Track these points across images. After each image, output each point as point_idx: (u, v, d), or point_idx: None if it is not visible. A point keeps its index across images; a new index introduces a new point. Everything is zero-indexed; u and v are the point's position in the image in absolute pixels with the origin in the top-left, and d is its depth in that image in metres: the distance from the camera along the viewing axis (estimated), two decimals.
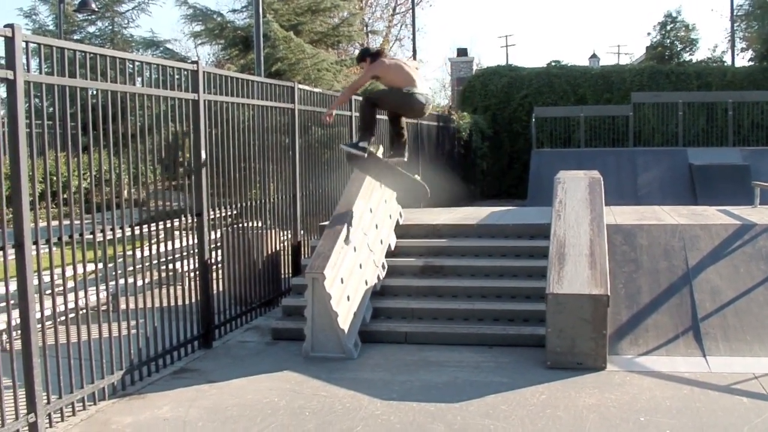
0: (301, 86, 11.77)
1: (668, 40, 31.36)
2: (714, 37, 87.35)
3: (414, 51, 29.89)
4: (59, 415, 6.66)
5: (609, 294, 7.96)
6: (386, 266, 10.10)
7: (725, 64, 30.66)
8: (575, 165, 14.86)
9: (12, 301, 6.20)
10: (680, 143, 25.60)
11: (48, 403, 6.47)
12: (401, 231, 10.92)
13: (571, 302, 7.94)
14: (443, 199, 21.90)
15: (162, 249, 8.47)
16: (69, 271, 6.87)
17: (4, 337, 8.00)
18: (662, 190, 22.07)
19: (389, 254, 10.36)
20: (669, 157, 23.96)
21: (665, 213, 11.37)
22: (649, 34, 31.79)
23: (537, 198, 20.99)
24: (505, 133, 28.91)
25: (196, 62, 8.87)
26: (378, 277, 9.79)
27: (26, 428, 6.26)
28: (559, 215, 9.48)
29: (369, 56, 10.28)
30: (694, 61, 30.78)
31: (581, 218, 9.36)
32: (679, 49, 31.33)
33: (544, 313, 8.17)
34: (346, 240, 9.15)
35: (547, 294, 8.04)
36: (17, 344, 6.25)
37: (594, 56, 50.71)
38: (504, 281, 9.80)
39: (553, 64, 30.02)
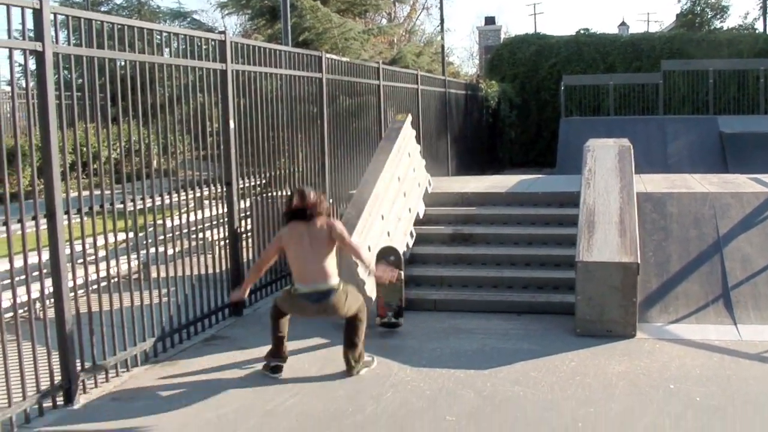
0: (328, 55, 11.75)
1: (698, 8, 30.90)
2: (745, 4, 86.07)
3: (441, 20, 29.75)
4: (93, 381, 6.76)
5: (639, 262, 7.92)
6: (415, 234, 10.10)
7: (757, 31, 30.21)
8: (604, 133, 14.71)
9: (45, 271, 6.26)
10: (711, 111, 25.30)
11: (82, 370, 6.55)
12: (430, 199, 10.92)
13: (600, 270, 7.91)
14: (471, 168, 21.90)
15: (192, 218, 8.50)
16: (100, 241, 6.93)
17: (38, 305, 8.07)
18: (692, 159, 21.84)
19: (418, 222, 10.36)
20: (699, 125, 23.68)
21: (695, 181, 11.28)
22: (679, 1, 31.24)
23: (566, 166, 20.85)
24: (534, 101, 28.71)
25: (224, 32, 8.87)
26: (407, 245, 9.80)
27: (61, 395, 6.36)
28: (589, 183, 9.44)
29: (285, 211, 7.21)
30: (724, 28, 30.36)
31: (611, 186, 9.31)
32: (709, 16, 30.88)
33: (574, 281, 8.15)
34: (374, 208, 9.15)
35: (576, 262, 8.02)
36: (50, 313, 6.32)
37: (623, 24, 50.16)
38: (533, 249, 9.78)
39: (581, 32, 29.71)
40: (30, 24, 6.05)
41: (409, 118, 11.35)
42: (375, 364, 7.15)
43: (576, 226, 8.72)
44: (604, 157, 10.11)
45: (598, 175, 9.61)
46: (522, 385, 6.60)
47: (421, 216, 10.50)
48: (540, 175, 14.54)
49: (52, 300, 6.36)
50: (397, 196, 9.96)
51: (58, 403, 6.33)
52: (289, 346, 7.70)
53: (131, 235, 7.79)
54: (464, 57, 50.96)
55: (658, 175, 12.71)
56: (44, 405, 6.19)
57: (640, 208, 9.40)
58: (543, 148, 28.17)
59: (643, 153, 17.20)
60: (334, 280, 6.82)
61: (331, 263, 6.84)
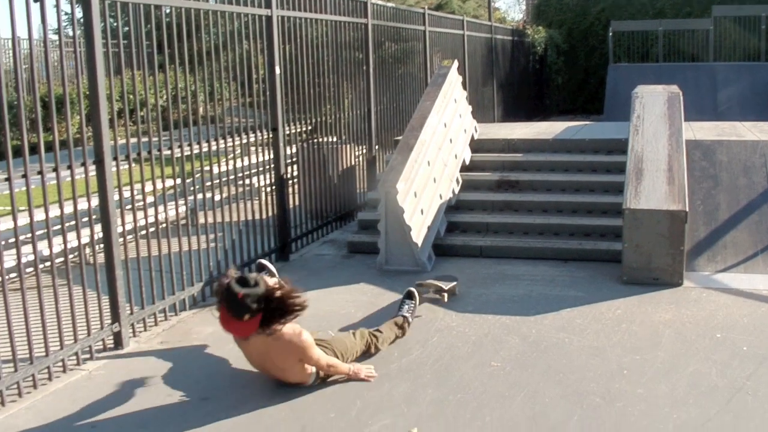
0: (374, 1, 11.66)
1: None
2: None
3: None
4: (142, 325, 6.87)
5: (687, 210, 7.83)
6: (461, 180, 10.07)
7: None
8: (653, 80, 14.50)
9: (94, 216, 6.33)
10: (762, 58, 24.75)
11: (131, 313, 6.66)
12: (476, 145, 10.86)
13: (648, 218, 7.84)
14: (518, 115, 21.74)
15: (238, 164, 8.54)
16: (148, 187, 7.00)
17: (88, 250, 8.18)
18: (743, 106, 21.45)
19: (464, 168, 10.33)
20: (750, 72, 23.22)
21: (746, 129, 11.09)
22: None
23: (613, 113, 20.62)
24: (581, 47, 28.32)
25: None
26: (453, 192, 9.78)
27: (111, 337, 6.48)
28: (637, 130, 9.32)
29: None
30: None
31: (659, 133, 9.19)
32: None
33: (621, 229, 8.09)
34: (420, 154, 9.13)
35: (624, 209, 7.95)
36: (100, 257, 6.41)
37: None
38: (580, 196, 9.72)
39: None
40: None
41: (455, 64, 11.26)
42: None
43: (623, 174, 8.63)
44: (653, 103, 9.96)
45: (647, 121, 9.49)
46: (567, 331, 6.59)
47: (467, 162, 10.46)
48: (587, 122, 14.37)
49: (102, 245, 6.45)
50: (443, 142, 9.92)
51: (108, 346, 6.46)
52: (336, 291, 7.78)
53: (179, 181, 7.85)
54: (510, 3, 50.33)
55: (708, 122, 12.50)
56: (95, 348, 6.31)
57: (689, 156, 9.27)
58: (590, 95, 27.83)
59: (692, 100, 16.92)
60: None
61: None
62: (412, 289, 7.05)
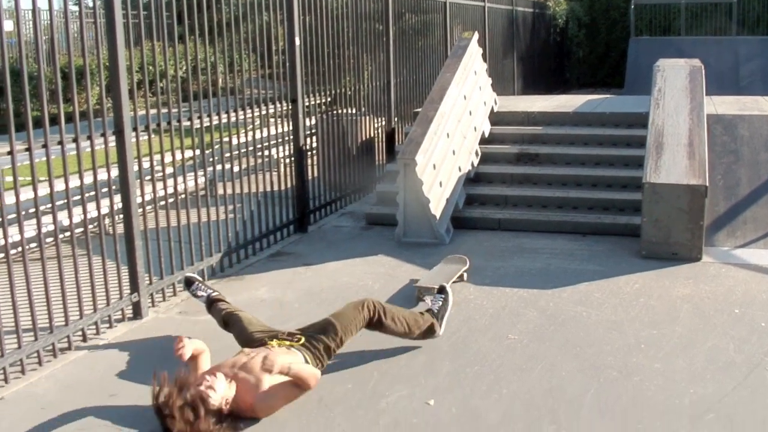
0: None
1: None
2: None
3: None
4: (161, 295, 6.92)
5: (707, 185, 7.78)
6: (480, 153, 10.04)
7: None
8: (675, 54, 14.33)
9: (114, 187, 6.36)
10: None
11: (150, 283, 6.70)
12: (496, 118, 10.82)
13: (668, 192, 7.80)
14: (538, 88, 21.62)
15: (258, 136, 8.54)
16: (167, 158, 7.01)
17: (107, 221, 8.23)
18: (765, 81, 21.20)
19: (483, 141, 10.29)
20: None
21: None
22: None
23: (634, 87, 20.45)
24: (602, 20, 28.03)
25: None
26: (472, 164, 9.76)
27: (130, 307, 6.53)
28: (658, 104, 9.25)
29: None
30: None
31: (680, 107, 9.12)
32: None
33: (640, 203, 8.05)
34: (439, 126, 9.10)
35: (643, 183, 7.91)
36: (120, 228, 6.44)
37: None
38: (600, 170, 9.67)
39: None
40: None
41: (476, 36, 11.20)
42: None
43: (644, 148, 8.58)
44: (675, 77, 9.88)
45: (668, 95, 9.42)
46: (585, 305, 6.59)
47: (486, 135, 10.42)
48: (608, 96, 14.27)
49: (121, 216, 6.48)
50: (463, 114, 9.89)
51: (127, 315, 6.51)
52: (354, 263, 7.79)
53: (198, 152, 7.86)
54: None
55: (730, 96, 12.39)
56: (114, 317, 6.36)
57: (710, 130, 9.20)
58: (611, 69, 27.57)
59: (714, 75, 16.76)
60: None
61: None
62: (444, 284, 6.37)
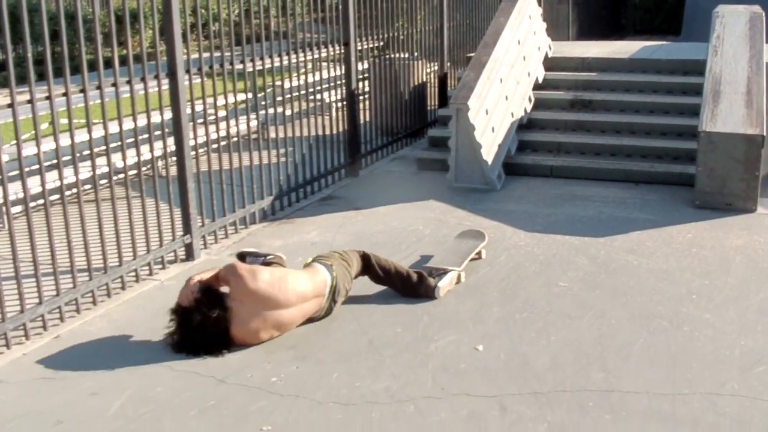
0: None
1: None
2: None
3: None
4: (213, 237, 6.99)
5: (764, 134, 7.63)
6: (533, 99, 9.94)
7: None
8: (734, 0, 14.00)
9: (167, 130, 6.40)
10: None
11: (202, 225, 6.77)
12: (550, 64, 10.67)
13: (724, 141, 7.67)
14: (593, 34, 21.25)
15: (310, 79, 8.53)
16: (220, 101, 7.03)
17: (161, 163, 8.32)
18: None
19: (537, 87, 10.17)
20: None
21: None
22: None
23: (692, 34, 19.95)
24: None
25: None
26: (524, 110, 9.67)
27: (182, 248, 6.61)
28: (716, 51, 9.05)
29: None
30: None
31: (739, 55, 8.92)
32: None
33: (695, 152, 7.93)
34: (492, 71, 9.01)
35: (699, 132, 7.78)
36: (173, 170, 6.48)
37: None
38: (654, 118, 9.52)
39: None
40: None
41: None
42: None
43: (700, 96, 8.43)
44: (734, 23, 9.65)
45: (727, 42, 9.21)
46: (637, 254, 6.53)
47: (540, 81, 10.29)
48: (664, 42, 13.99)
49: (174, 158, 6.53)
50: (516, 59, 9.77)
51: (179, 257, 6.58)
52: (404, 207, 7.79)
53: (250, 95, 7.87)
54: None
55: None
56: (166, 259, 6.44)
57: None
58: (668, 15, 26.93)
59: None
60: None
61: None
62: (456, 269, 6.03)
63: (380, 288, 5.83)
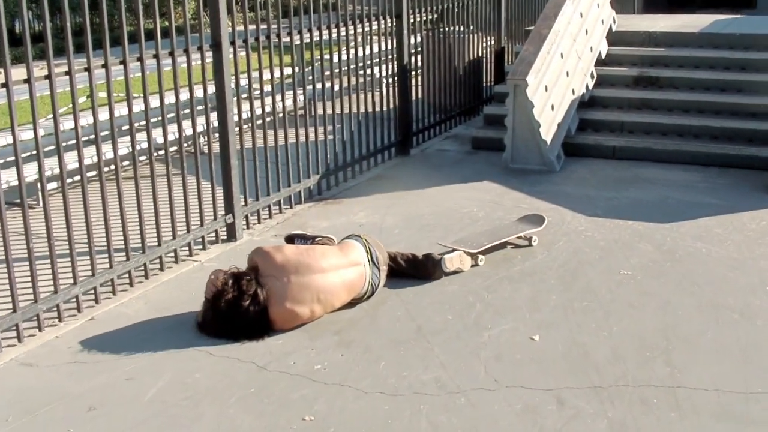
0: None
1: None
2: None
3: None
4: (256, 217, 6.83)
5: None
6: (595, 75, 9.62)
7: None
8: None
9: (210, 104, 6.21)
10: None
11: (245, 204, 6.62)
12: (614, 38, 10.31)
13: None
14: (660, 6, 20.77)
15: (359, 53, 8.32)
16: (266, 75, 6.85)
17: (203, 139, 8.15)
18: None
19: (599, 63, 9.85)
20: None
21: None
22: None
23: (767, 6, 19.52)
24: None
25: None
26: (586, 87, 9.37)
27: (224, 229, 6.46)
28: None
29: None
30: None
31: None
32: None
33: None
34: (553, 46, 8.73)
35: None
36: (215, 147, 6.31)
37: None
38: (726, 96, 9.12)
39: None
40: None
41: None
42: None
43: None
44: None
45: None
46: (705, 241, 6.25)
47: (603, 56, 9.97)
48: (738, 15, 13.56)
49: (217, 134, 6.35)
50: (578, 33, 9.47)
51: (221, 237, 6.42)
52: (457, 188, 7.60)
53: (297, 69, 7.68)
54: None
55: None
56: (207, 239, 6.28)
57: None
58: None
59: None
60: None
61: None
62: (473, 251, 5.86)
63: None
